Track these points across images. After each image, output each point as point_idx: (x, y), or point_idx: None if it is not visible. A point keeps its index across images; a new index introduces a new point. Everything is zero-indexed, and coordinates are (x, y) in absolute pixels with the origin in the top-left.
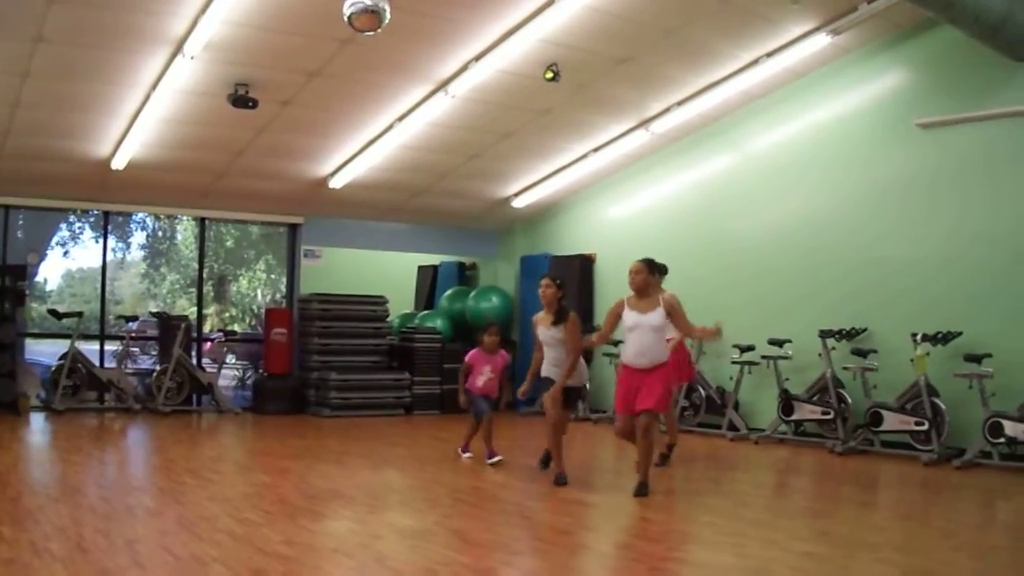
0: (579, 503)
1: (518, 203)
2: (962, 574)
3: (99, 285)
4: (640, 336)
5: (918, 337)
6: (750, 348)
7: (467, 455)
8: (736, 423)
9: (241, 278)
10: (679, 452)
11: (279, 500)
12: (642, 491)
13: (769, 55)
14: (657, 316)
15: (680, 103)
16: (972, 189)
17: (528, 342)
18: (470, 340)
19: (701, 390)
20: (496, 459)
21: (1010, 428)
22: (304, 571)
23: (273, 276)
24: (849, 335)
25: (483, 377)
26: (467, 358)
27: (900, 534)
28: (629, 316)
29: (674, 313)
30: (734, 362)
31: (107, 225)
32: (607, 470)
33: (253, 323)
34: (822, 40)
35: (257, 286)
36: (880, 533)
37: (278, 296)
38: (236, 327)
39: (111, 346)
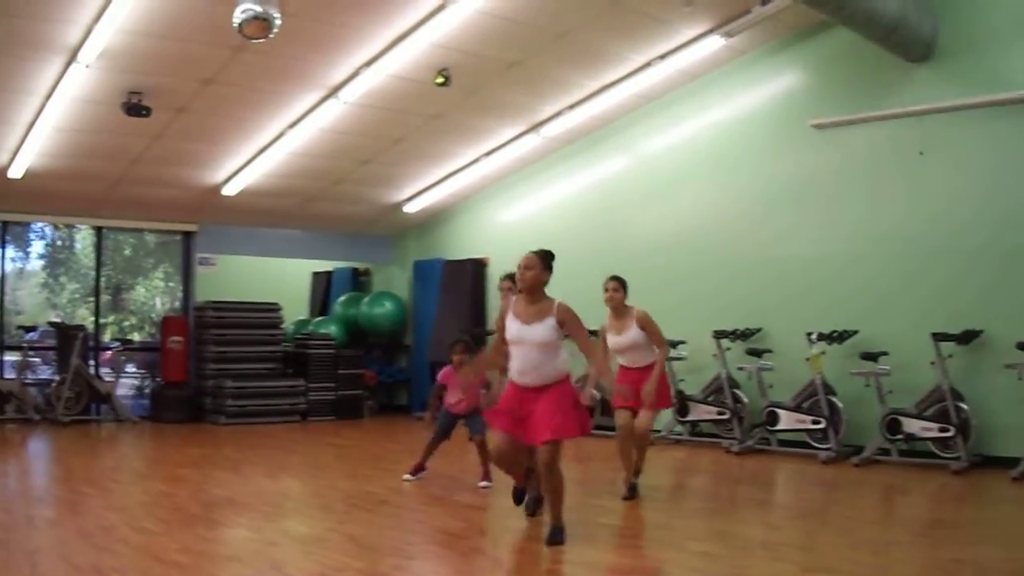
0: (474, 507)
1: (410, 208)
2: (860, 570)
3: None
4: (525, 353)
5: (813, 336)
6: None
7: (413, 478)
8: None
9: (139, 287)
10: (576, 452)
11: (176, 508)
12: (556, 537)
13: (662, 57)
14: (545, 330)
15: (572, 106)
16: (866, 189)
17: (422, 347)
18: (364, 346)
19: (596, 394)
20: (486, 484)
21: (908, 425)
22: None
23: (171, 284)
24: (743, 335)
25: (455, 397)
26: (440, 377)
27: (798, 532)
28: (512, 325)
29: (571, 326)
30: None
31: (5, 235)
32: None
33: (153, 332)
34: (716, 42)
35: (155, 294)
36: (778, 532)
37: (176, 304)
38: (136, 336)
39: (11, 357)
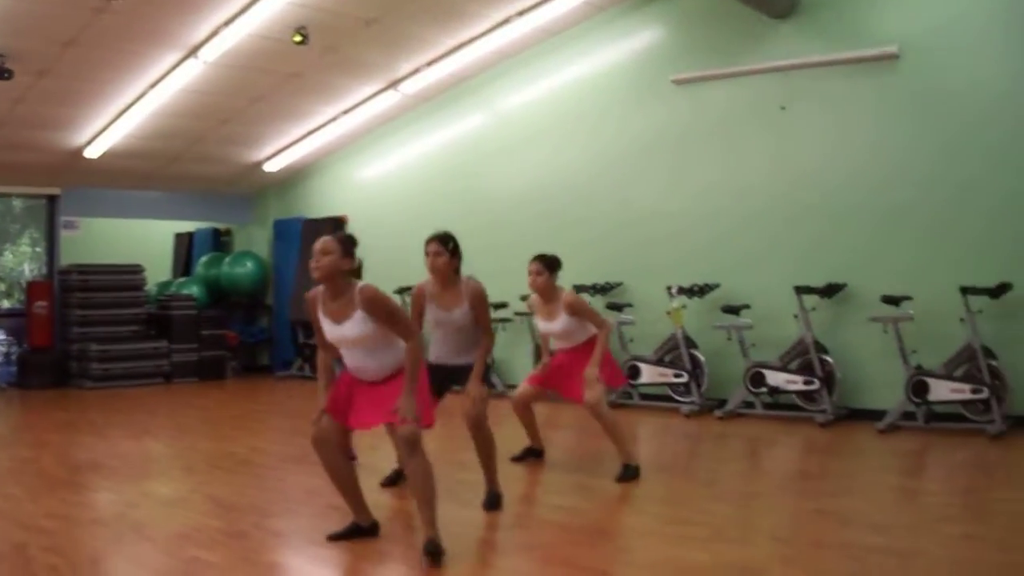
0: None
1: (270, 167)
2: (721, 522)
3: None
4: (351, 353)
5: (673, 290)
6: (503, 305)
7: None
8: (492, 381)
9: (7, 252)
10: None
11: (41, 474)
12: (433, 551)
13: (520, 14)
14: (356, 325)
15: (430, 63)
16: (728, 145)
17: (283, 307)
18: (226, 306)
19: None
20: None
21: (771, 378)
22: (63, 543)
23: (39, 249)
24: (603, 290)
25: None
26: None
27: (660, 485)
28: (325, 325)
29: (377, 313)
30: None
31: None
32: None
33: (23, 298)
34: None
35: (23, 260)
36: (639, 485)
37: (44, 269)
38: (6, 302)
39: None
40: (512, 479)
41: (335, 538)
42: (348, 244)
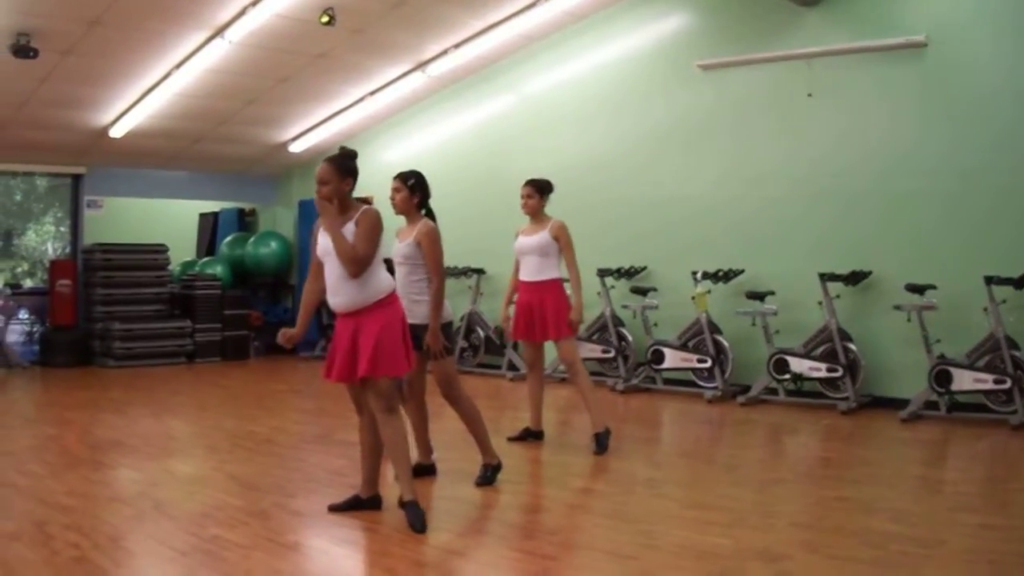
0: (355, 445)
1: (295, 147)
2: (741, 507)
3: None
4: (330, 269)
5: (698, 275)
6: None
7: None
8: (516, 363)
9: (30, 232)
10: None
11: (62, 451)
12: (417, 522)
13: None
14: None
15: (457, 45)
16: (753, 130)
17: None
18: (250, 286)
19: (480, 331)
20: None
21: (795, 364)
22: (84, 521)
23: (62, 228)
24: (628, 274)
25: None
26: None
27: (681, 469)
28: (321, 240)
29: (361, 225)
30: (511, 302)
31: None
32: None
33: (45, 277)
34: None
35: (47, 239)
36: (660, 469)
37: (67, 248)
38: (28, 281)
39: None
40: (531, 462)
41: (335, 510)
42: (344, 164)
